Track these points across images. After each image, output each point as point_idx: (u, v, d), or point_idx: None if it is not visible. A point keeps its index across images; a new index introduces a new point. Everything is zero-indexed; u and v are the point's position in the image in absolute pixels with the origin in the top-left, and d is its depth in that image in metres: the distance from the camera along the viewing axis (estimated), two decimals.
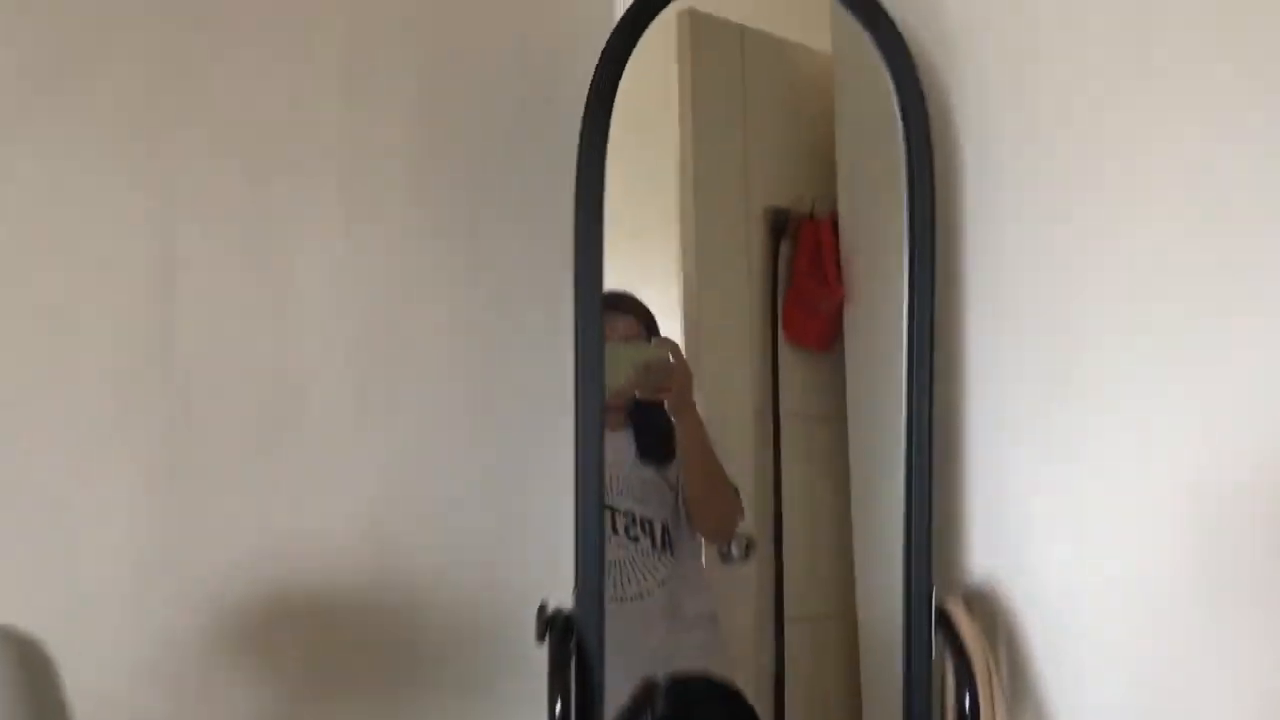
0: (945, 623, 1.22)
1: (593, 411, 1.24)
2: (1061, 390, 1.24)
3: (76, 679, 1.09)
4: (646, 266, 1.51)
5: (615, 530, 1.40)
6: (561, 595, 1.24)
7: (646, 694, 1.35)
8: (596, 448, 1.24)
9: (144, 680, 1.15)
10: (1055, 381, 1.24)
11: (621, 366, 1.37)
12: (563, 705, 1.15)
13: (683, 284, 1.50)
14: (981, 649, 1.17)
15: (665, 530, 1.44)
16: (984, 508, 1.30)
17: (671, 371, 1.43)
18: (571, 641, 1.22)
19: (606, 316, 1.27)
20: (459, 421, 1.40)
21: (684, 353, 1.45)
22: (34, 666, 0.80)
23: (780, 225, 1.55)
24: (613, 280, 1.28)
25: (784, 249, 1.55)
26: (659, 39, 1.34)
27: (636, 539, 1.43)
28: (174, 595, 1.17)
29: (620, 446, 1.42)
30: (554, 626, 1.22)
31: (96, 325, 1.17)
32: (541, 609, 1.24)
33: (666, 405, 1.44)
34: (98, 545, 1.15)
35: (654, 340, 1.46)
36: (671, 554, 1.45)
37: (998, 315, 1.30)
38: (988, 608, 1.27)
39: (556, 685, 1.16)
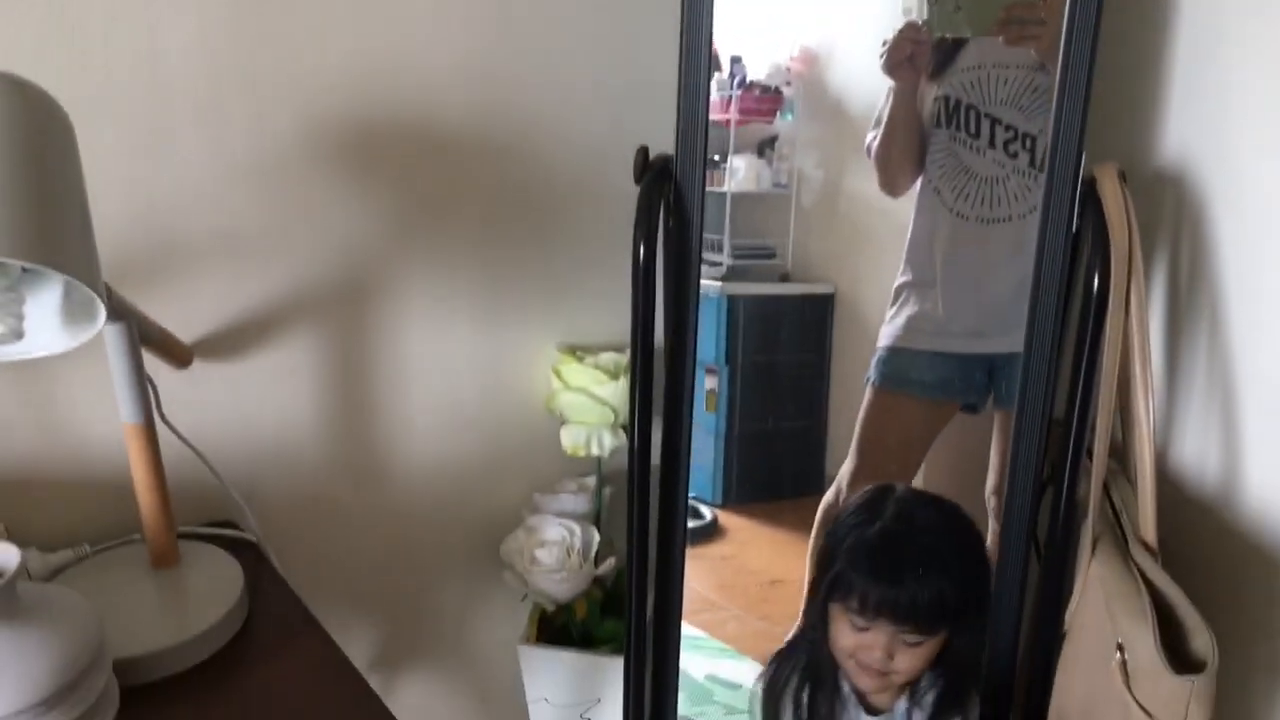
0: (1092, 196, 1.07)
1: None
2: None
3: (155, 180, 1.10)
4: None
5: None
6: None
7: (880, 497, 1.29)
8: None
9: (232, 184, 1.14)
10: None
11: None
12: (646, 250, 1.09)
13: None
14: (1125, 225, 1.02)
15: None
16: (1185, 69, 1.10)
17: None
18: (668, 186, 1.14)
19: None
20: None
21: None
22: (38, 116, 0.77)
23: None
24: None
25: None
26: None
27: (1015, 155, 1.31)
28: (258, 104, 1.14)
29: None
30: (651, 168, 1.14)
31: None
32: (642, 150, 1.16)
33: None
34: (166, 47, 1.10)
35: None
36: None
37: None
38: (1171, 190, 1.10)
39: (641, 228, 1.09)
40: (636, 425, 1.14)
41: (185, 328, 1.12)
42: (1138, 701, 0.91)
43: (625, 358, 1.34)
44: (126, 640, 0.93)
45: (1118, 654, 0.93)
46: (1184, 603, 0.93)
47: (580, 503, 1.33)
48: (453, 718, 1.45)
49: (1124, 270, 1.01)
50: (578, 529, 1.29)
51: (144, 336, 1.00)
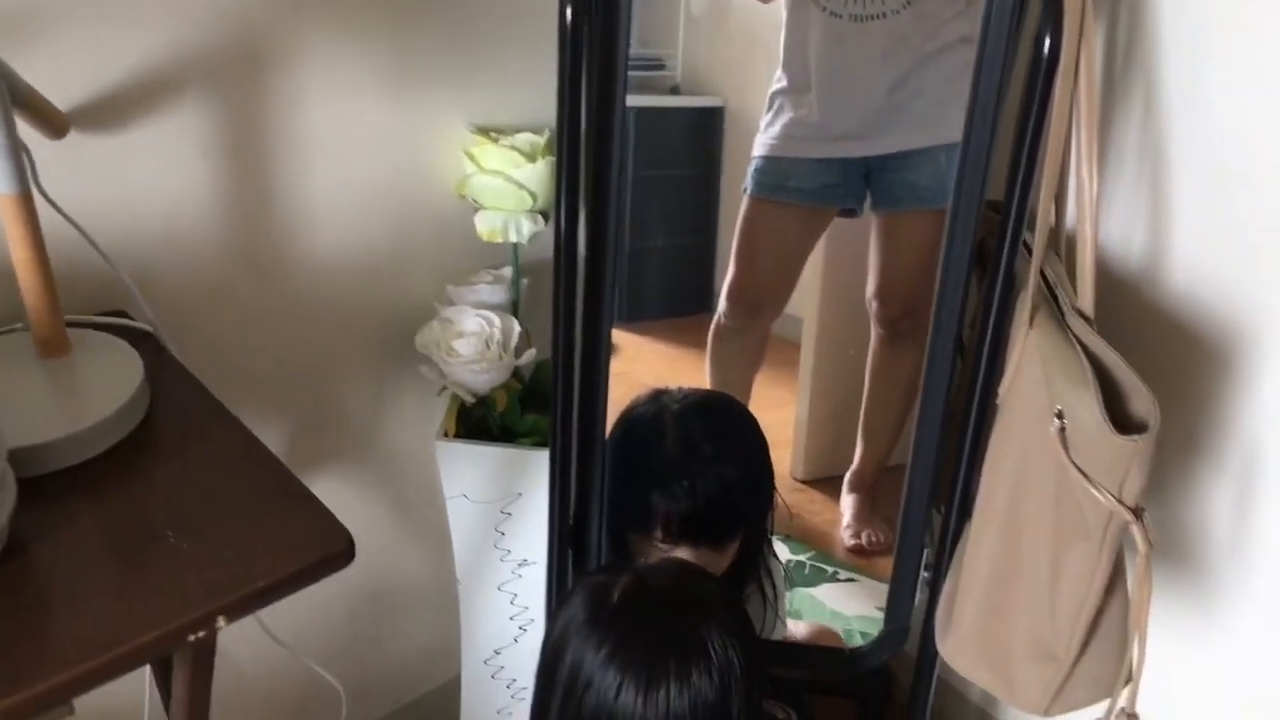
0: None
1: None
2: None
3: None
4: None
5: None
6: None
7: (656, 415, 1.26)
8: None
9: None
10: None
11: None
12: (574, 9, 1.01)
13: None
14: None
15: None
16: None
17: None
18: None
19: None
20: None
21: None
22: None
23: None
24: None
25: None
26: None
27: None
28: None
29: None
30: None
31: None
32: None
33: None
34: None
35: None
36: None
37: None
38: None
39: None
40: (564, 202, 1.08)
41: (59, 92, 1.00)
42: (1076, 466, 0.91)
43: (542, 139, 1.26)
44: (18, 430, 0.86)
45: (1056, 421, 0.93)
46: (1123, 367, 0.93)
47: (497, 294, 1.27)
48: (369, 518, 1.42)
49: (1075, 31, 0.96)
50: (497, 319, 1.24)
51: (13, 96, 0.89)
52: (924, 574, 1.22)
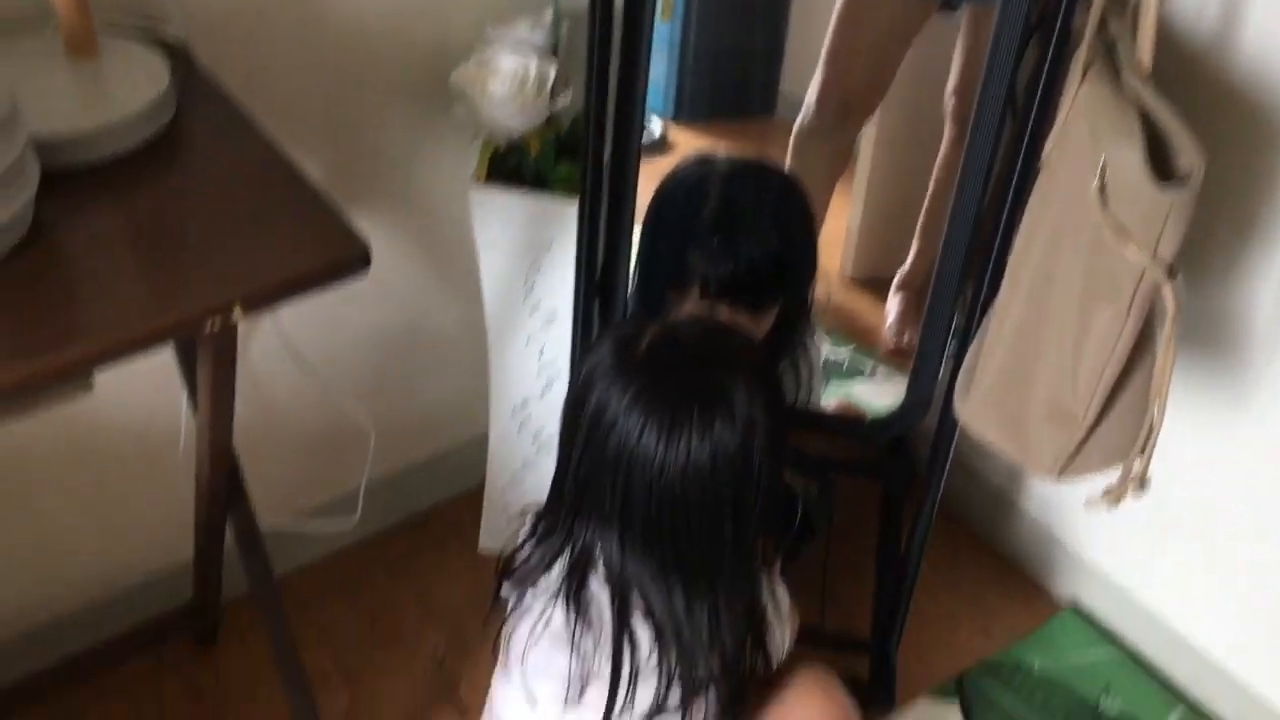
0: None
1: None
2: None
3: None
4: None
5: None
6: None
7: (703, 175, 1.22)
8: None
9: None
10: None
11: None
12: None
13: None
14: None
15: None
16: None
17: None
18: None
19: None
20: None
21: None
22: None
23: None
24: None
25: None
26: None
27: None
28: None
29: None
30: None
31: None
32: None
33: None
34: None
35: None
36: None
37: None
38: None
39: None
40: None
41: None
42: (1113, 218, 0.88)
43: None
44: (42, 119, 0.85)
45: (1097, 177, 0.90)
46: (1173, 121, 0.89)
47: (536, 35, 1.23)
48: (397, 264, 1.42)
49: None
50: (534, 60, 1.20)
51: None
52: (950, 344, 1.21)
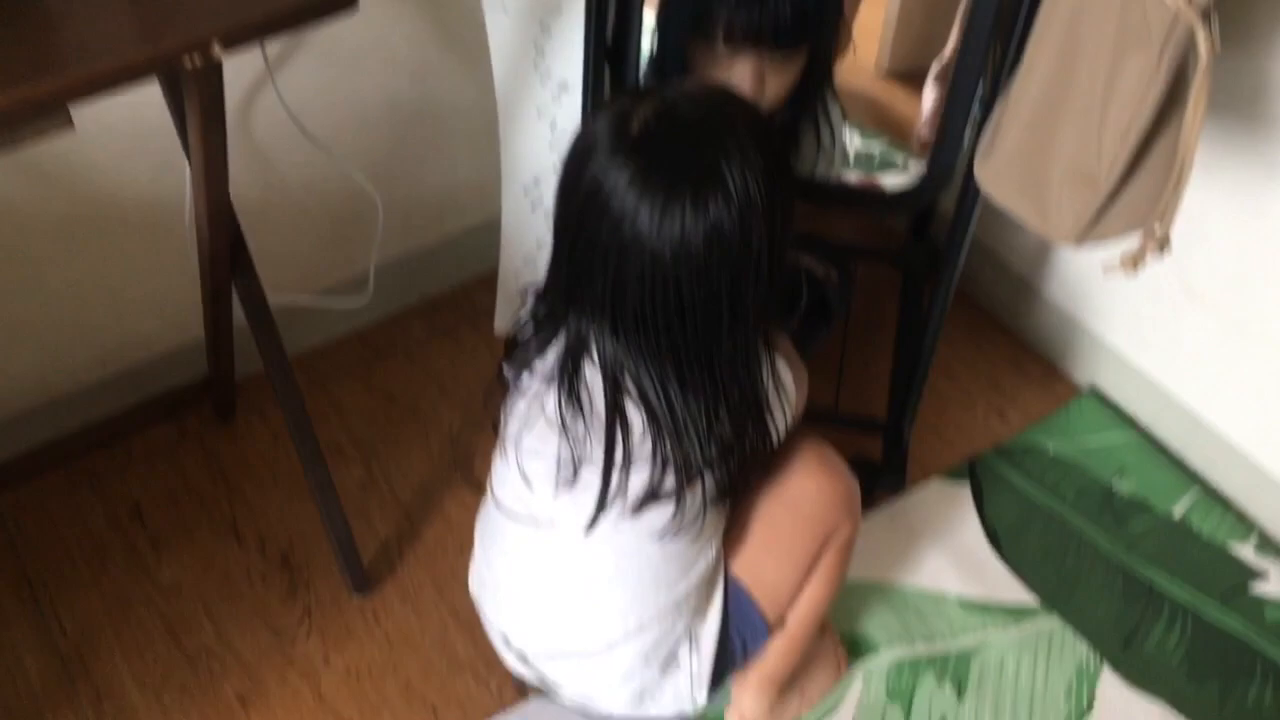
0: None
1: None
2: None
3: None
4: None
5: None
6: None
7: None
8: None
9: None
10: None
11: None
12: None
13: None
14: None
15: None
16: None
17: None
18: None
19: None
20: None
21: None
22: None
23: None
24: None
25: None
26: None
27: None
28: None
29: None
30: None
31: None
32: None
33: None
34: None
35: None
36: None
37: None
38: None
39: None
40: None
41: None
42: None
43: None
44: None
45: None
46: None
47: None
48: (402, 28, 1.37)
49: None
50: None
51: None
52: (974, 109, 1.16)
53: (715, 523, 1.07)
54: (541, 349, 1.00)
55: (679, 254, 0.89)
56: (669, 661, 1.11)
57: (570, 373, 0.97)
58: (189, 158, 1.03)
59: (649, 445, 0.97)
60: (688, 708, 1.15)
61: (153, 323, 1.44)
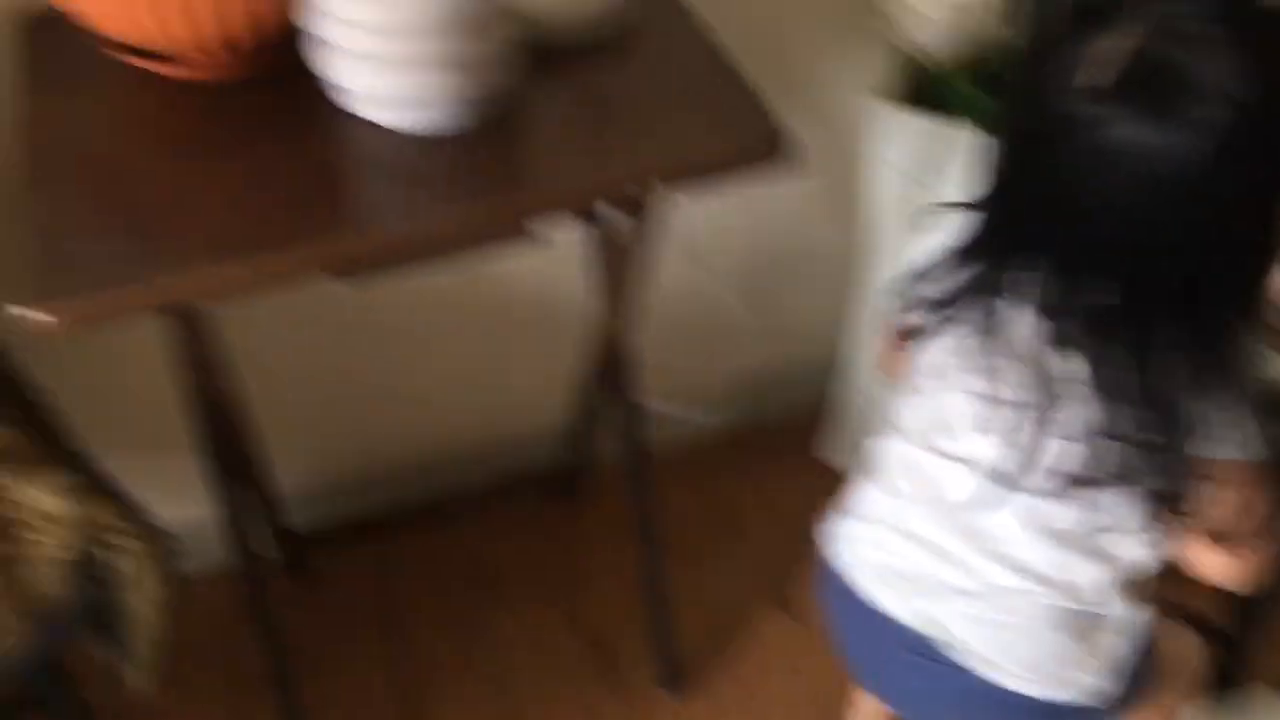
0: None
1: None
2: None
3: None
4: None
5: None
6: None
7: None
8: None
9: None
10: None
11: None
12: None
13: None
14: None
15: None
16: None
17: None
18: None
19: None
20: None
21: None
22: None
23: None
24: None
25: None
26: None
27: None
28: None
29: None
30: None
31: None
32: None
33: None
34: None
35: None
36: None
37: None
38: None
39: None
40: None
41: None
42: None
43: None
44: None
45: None
46: None
47: None
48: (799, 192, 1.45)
49: None
50: None
51: None
52: None
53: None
54: (964, 292, 0.88)
55: (1161, 182, 0.74)
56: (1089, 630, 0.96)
57: (994, 314, 0.86)
58: (597, 276, 1.15)
59: (1076, 405, 0.83)
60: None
61: (510, 409, 1.59)
